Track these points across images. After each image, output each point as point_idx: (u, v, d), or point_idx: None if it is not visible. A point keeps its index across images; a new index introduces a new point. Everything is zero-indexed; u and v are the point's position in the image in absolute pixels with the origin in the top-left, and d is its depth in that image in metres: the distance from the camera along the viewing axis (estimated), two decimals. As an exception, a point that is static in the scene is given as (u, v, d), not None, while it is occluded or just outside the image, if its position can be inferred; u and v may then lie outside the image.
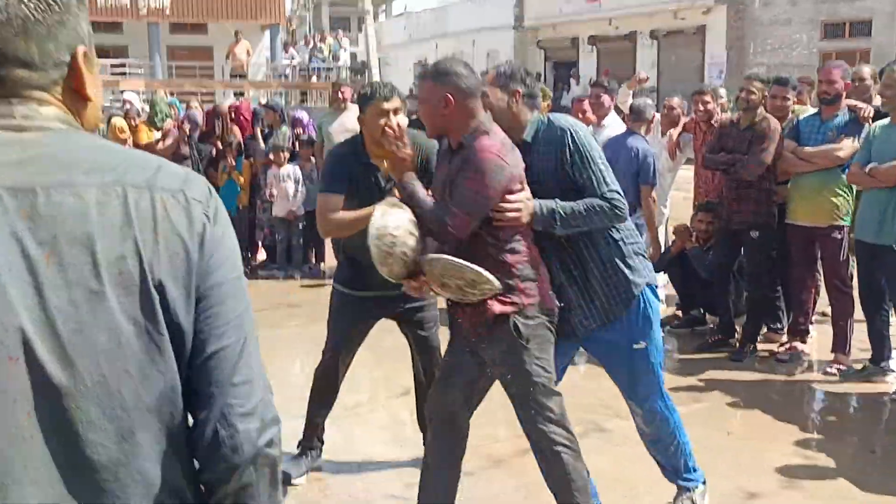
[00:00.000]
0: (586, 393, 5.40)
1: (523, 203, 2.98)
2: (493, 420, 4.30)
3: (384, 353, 4.72)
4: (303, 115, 9.21)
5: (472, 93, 2.97)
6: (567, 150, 3.05)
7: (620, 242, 3.21)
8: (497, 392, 3.25)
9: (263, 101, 11.82)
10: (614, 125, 6.64)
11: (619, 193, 3.11)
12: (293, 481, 4.01)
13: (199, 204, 1.24)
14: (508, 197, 2.95)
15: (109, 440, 1.14)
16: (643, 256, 3.31)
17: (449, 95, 2.94)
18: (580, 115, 7.10)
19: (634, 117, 6.34)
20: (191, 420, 1.27)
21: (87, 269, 1.13)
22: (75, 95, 1.26)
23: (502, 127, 3.10)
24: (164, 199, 1.20)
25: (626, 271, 3.21)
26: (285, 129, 9.02)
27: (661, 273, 6.99)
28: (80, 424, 1.12)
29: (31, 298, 1.10)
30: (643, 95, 9.12)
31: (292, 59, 24.74)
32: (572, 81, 26.87)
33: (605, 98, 6.81)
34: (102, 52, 26.15)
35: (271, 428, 1.26)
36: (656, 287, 3.36)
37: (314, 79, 23.38)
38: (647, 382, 3.50)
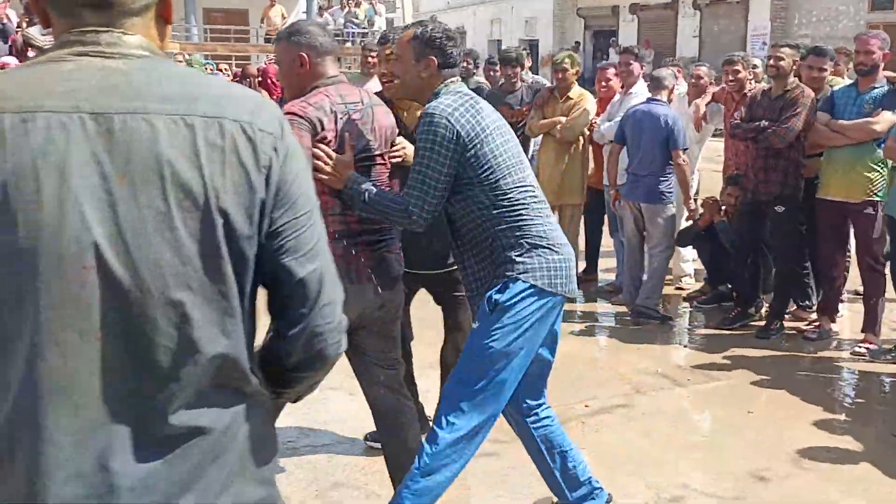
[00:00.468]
0: (605, 368, 5.32)
1: (334, 166, 2.91)
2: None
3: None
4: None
5: (327, 52, 3.00)
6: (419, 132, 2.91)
7: (501, 233, 2.92)
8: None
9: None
10: (643, 94, 6.48)
11: (419, 207, 2.87)
12: None
13: (268, 136, 1.32)
14: (319, 152, 2.90)
15: (174, 344, 1.24)
16: (539, 251, 2.93)
17: (303, 54, 2.97)
18: (604, 84, 6.94)
19: (654, 85, 6.20)
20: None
21: (155, 192, 1.22)
22: (159, 19, 1.37)
23: (410, 91, 3.07)
24: (232, 130, 1.28)
25: (499, 262, 2.93)
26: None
27: (689, 247, 6.86)
28: (147, 329, 1.23)
29: (105, 215, 1.21)
30: (675, 65, 8.93)
31: (327, 23, 24.61)
32: (611, 51, 26.44)
33: (635, 66, 6.64)
34: (140, 15, 26.17)
35: (345, 336, 1.47)
36: (542, 291, 2.92)
37: (348, 44, 23.24)
38: (454, 379, 3.04)
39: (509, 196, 2.92)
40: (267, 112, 1.35)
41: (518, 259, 2.91)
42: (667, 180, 6.03)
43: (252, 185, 1.29)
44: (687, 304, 6.68)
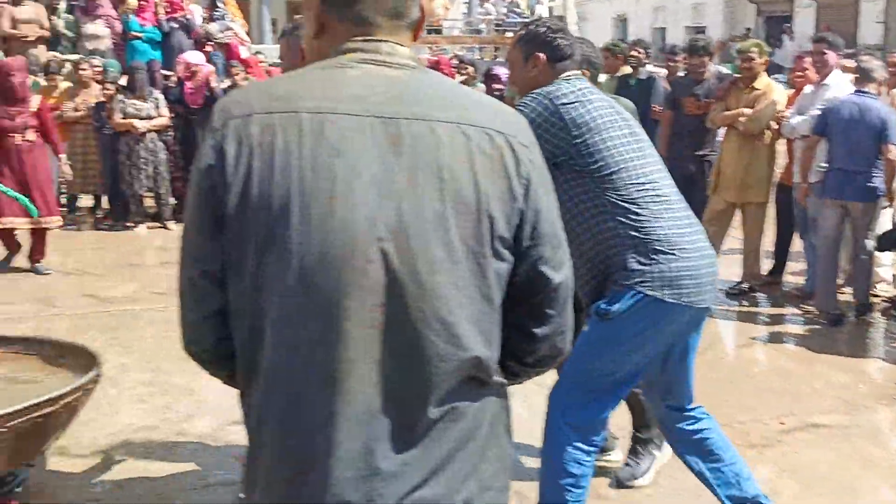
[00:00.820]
0: (799, 380, 4.96)
1: None
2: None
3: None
4: (501, 70, 8.97)
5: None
6: None
7: (613, 233, 2.69)
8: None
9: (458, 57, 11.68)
10: (839, 85, 6.03)
11: None
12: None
13: (526, 149, 1.41)
14: None
15: (438, 338, 1.32)
16: (658, 256, 2.66)
17: (304, 48, 3.04)
18: (800, 73, 6.50)
19: (862, 77, 5.74)
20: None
21: (435, 194, 1.31)
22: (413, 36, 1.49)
23: (522, 87, 2.93)
24: (500, 141, 1.37)
25: (611, 267, 2.70)
26: (480, 85, 8.88)
27: (887, 252, 6.34)
28: (417, 321, 1.31)
29: (390, 213, 1.30)
30: (868, 54, 8.31)
31: (488, 13, 24.59)
32: (785, 38, 25.16)
33: (830, 55, 6.17)
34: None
35: None
36: (658, 302, 2.66)
37: (509, 34, 23.13)
38: (563, 372, 2.86)
39: (623, 194, 2.70)
40: (523, 125, 1.45)
41: (633, 266, 2.66)
42: (879, 177, 5.60)
43: (514, 194, 1.37)
44: (882, 313, 6.17)
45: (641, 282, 2.65)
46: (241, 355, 1.37)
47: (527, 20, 22.97)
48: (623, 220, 2.69)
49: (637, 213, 2.69)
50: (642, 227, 2.68)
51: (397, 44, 1.42)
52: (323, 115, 1.32)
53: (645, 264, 2.65)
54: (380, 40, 1.40)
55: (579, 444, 2.83)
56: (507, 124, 1.41)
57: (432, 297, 1.31)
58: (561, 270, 1.46)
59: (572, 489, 2.83)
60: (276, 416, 1.33)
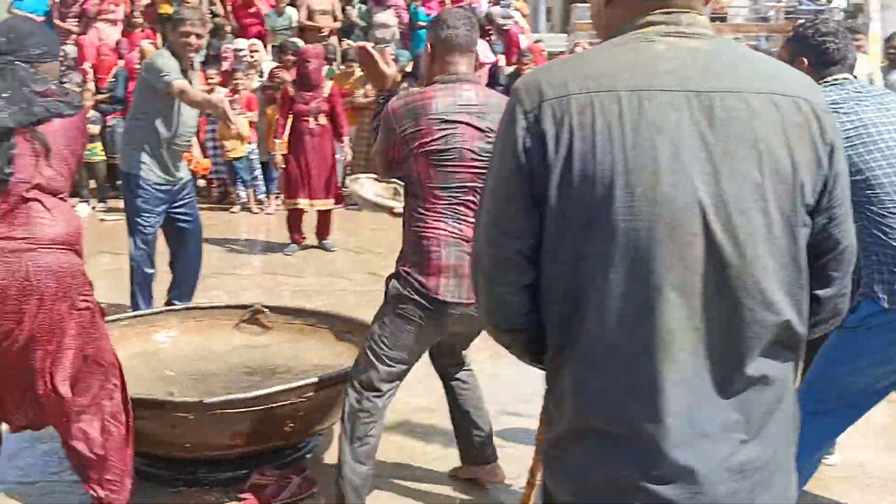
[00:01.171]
0: None
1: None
2: None
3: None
4: (799, 59, 8.32)
5: (453, 47, 2.85)
6: None
7: (876, 241, 2.64)
8: None
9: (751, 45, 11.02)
10: None
11: None
12: None
13: (827, 115, 1.42)
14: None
15: (756, 305, 1.35)
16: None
17: (429, 44, 2.93)
18: None
19: None
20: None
21: (752, 166, 1.34)
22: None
23: None
24: (807, 109, 1.39)
25: (863, 270, 2.64)
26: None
27: None
28: (738, 290, 1.34)
29: (711, 186, 1.33)
30: None
31: (778, 0, 23.16)
32: None
33: None
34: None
35: None
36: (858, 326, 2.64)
37: (802, 21, 21.64)
38: (806, 377, 2.82)
39: (867, 203, 2.64)
40: (819, 90, 1.47)
41: (874, 277, 2.62)
42: None
43: (820, 161, 1.40)
44: None
45: (881, 295, 2.62)
46: (556, 330, 1.40)
47: (822, 7, 21.40)
48: (867, 227, 2.64)
49: (881, 224, 2.65)
50: (886, 239, 2.64)
51: (698, 14, 1.43)
52: (640, 92, 1.34)
53: (885, 275, 2.62)
54: (682, 11, 1.42)
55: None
56: (810, 91, 1.43)
57: (753, 268, 1.34)
58: (849, 234, 1.49)
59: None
60: (599, 388, 1.36)
